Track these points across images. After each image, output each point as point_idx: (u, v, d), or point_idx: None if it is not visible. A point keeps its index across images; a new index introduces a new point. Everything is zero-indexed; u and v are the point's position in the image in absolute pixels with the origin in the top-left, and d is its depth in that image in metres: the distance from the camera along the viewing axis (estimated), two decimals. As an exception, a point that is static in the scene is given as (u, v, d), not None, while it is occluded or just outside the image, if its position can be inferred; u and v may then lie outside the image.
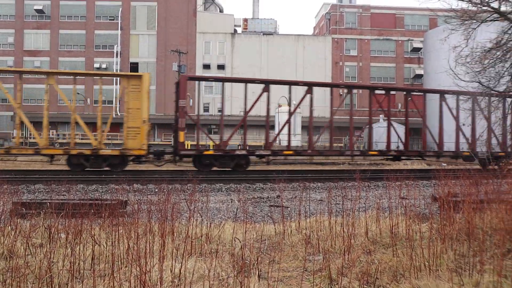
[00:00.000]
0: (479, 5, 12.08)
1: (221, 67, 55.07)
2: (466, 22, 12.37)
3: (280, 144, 29.86)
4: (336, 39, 56.75)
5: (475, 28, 12.40)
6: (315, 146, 21.59)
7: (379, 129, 28.53)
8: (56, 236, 5.41)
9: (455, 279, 4.16)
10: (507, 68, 12.46)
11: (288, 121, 19.44)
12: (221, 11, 63.84)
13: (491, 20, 12.34)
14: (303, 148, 28.56)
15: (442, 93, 20.89)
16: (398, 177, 10.76)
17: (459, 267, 4.62)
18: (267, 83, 19.13)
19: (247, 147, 20.43)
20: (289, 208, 9.12)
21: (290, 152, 19.19)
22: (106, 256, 4.76)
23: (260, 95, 18.69)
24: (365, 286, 4.19)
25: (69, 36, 54.94)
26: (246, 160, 18.84)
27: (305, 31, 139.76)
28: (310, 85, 19.96)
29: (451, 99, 20.71)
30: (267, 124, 19.19)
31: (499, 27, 12.83)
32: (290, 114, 19.59)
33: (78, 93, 29.92)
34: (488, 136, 20.58)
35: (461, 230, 5.66)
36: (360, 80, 55.90)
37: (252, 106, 18.25)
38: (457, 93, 18.93)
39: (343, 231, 5.63)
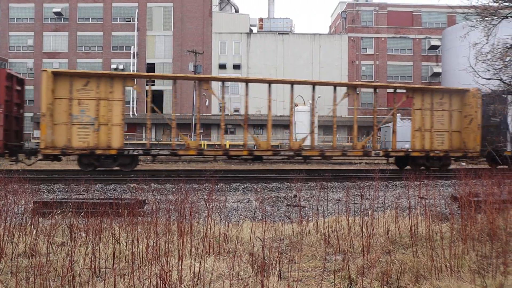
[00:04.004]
0: (500, 1, 11.88)
1: (237, 67, 55.21)
2: (486, 18, 12.18)
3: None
4: (352, 38, 56.33)
5: (496, 25, 12.19)
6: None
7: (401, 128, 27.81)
8: (76, 235, 5.48)
9: (477, 280, 4.08)
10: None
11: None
12: (236, 11, 64.01)
13: (512, 16, 12.13)
14: (321, 147, 28.42)
15: None
16: (417, 176, 10.66)
17: (482, 268, 4.53)
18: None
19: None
20: (306, 208, 9.08)
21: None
22: (125, 255, 4.80)
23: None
24: (385, 287, 4.14)
25: (86, 38, 55.74)
26: None
27: (321, 30, 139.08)
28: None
29: None
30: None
31: (521, 23, 12.59)
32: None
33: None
34: None
35: (483, 230, 5.56)
36: (376, 79, 55.41)
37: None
38: None
39: (362, 231, 5.58)
